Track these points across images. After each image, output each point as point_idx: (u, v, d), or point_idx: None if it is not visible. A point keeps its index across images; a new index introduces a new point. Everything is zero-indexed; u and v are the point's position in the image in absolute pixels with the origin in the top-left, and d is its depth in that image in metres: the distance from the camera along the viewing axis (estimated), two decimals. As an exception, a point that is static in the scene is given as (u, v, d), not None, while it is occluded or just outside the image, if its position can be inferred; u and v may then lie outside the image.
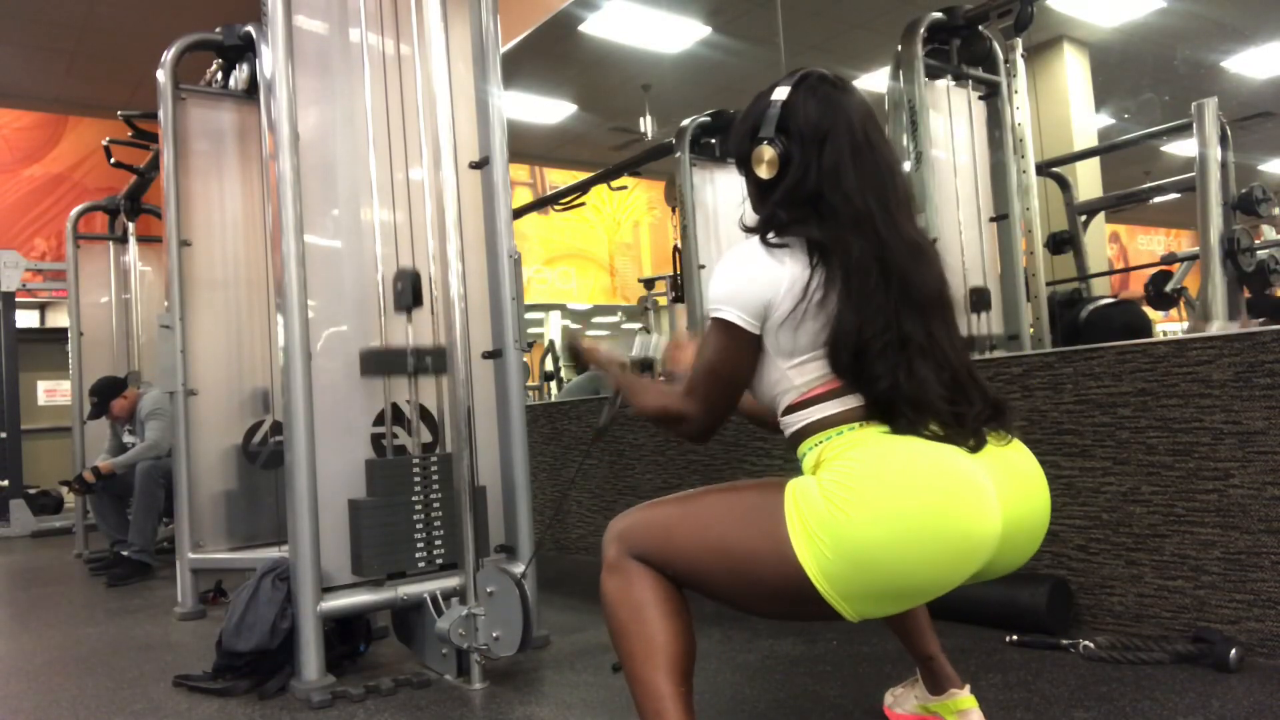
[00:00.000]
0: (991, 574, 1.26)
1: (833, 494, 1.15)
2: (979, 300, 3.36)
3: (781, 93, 1.30)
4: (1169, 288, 4.86)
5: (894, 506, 1.12)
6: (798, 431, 1.30)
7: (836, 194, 1.25)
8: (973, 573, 1.18)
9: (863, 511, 1.12)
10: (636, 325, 8.92)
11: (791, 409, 1.30)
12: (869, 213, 1.24)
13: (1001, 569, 1.27)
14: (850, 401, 1.25)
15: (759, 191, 1.34)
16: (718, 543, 1.23)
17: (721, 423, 1.37)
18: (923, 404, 1.21)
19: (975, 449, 1.23)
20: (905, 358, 1.22)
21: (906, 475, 1.15)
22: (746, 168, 1.33)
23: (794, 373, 1.28)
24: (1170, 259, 5.20)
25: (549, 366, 9.16)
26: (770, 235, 1.28)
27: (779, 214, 1.28)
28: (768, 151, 1.28)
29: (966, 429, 1.23)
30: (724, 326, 1.28)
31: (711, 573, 1.25)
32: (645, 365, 1.66)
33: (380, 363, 2.34)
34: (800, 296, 1.23)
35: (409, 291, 2.32)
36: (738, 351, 1.29)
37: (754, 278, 1.26)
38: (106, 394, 4.56)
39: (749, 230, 1.33)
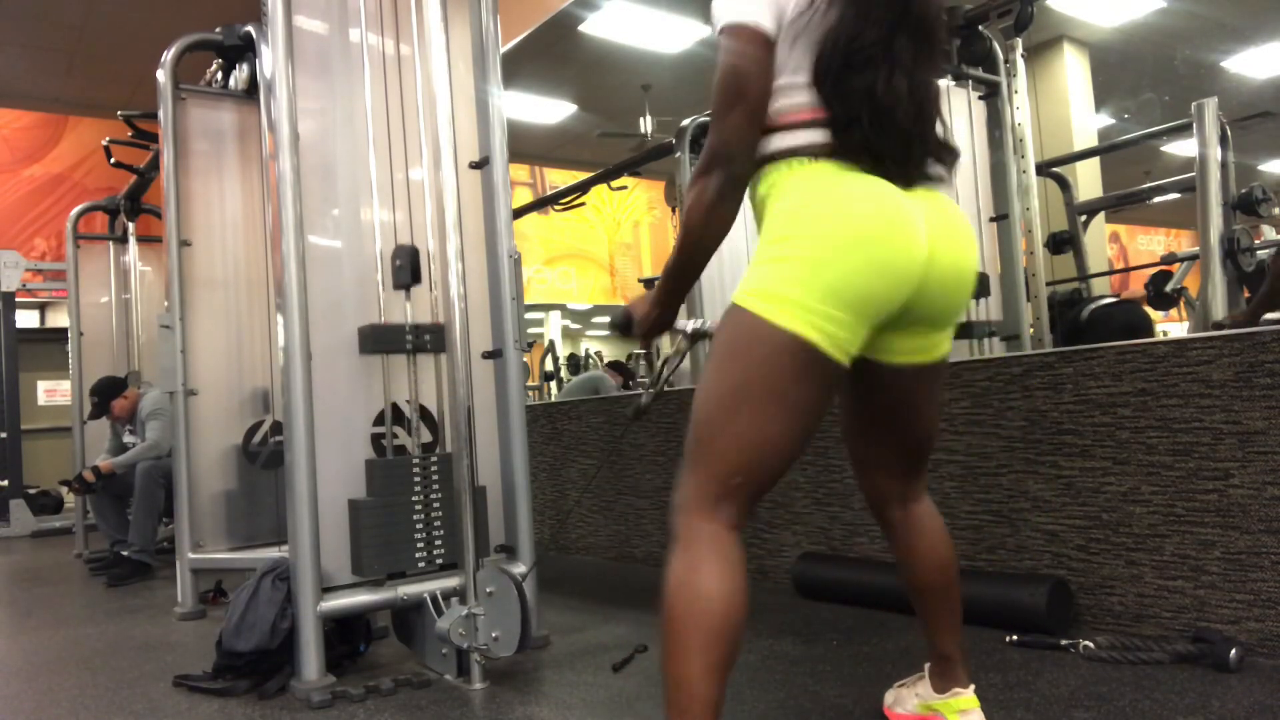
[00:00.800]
0: (928, 311, 1.34)
1: (773, 251, 1.26)
2: (979, 287, 3.36)
3: None
4: (1169, 288, 4.86)
5: (842, 241, 1.23)
6: (761, 157, 1.33)
7: None
8: (907, 293, 1.27)
9: (806, 249, 1.24)
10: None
11: (762, 131, 1.32)
12: None
13: (935, 307, 1.35)
14: (812, 135, 1.29)
15: None
16: (733, 394, 1.25)
17: (751, 143, 1.30)
18: (886, 118, 1.27)
19: (907, 185, 1.30)
20: (887, 70, 1.27)
21: (839, 209, 1.25)
22: None
23: (776, 95, 1.30)
24: (1170, 259, 5.21)
25: (549, 366, 9.17)
26: None
27: None
28: None
29: (910, 164, 1.30)
30: (735, 29, 1.27)
31: (752, 427, 1.24)
32: (701, 336, 1.61)
33: (379, 339, 2.32)
34: (808, 3, 1.27)
35: (408, 269, 2.32)
36: (753, 48, 1.27)
37: None
38: (107, 394, 4.56)
39: None
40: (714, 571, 1.22)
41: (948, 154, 1.38)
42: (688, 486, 1.28)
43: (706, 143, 1.30)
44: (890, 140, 1.28)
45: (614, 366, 6.91)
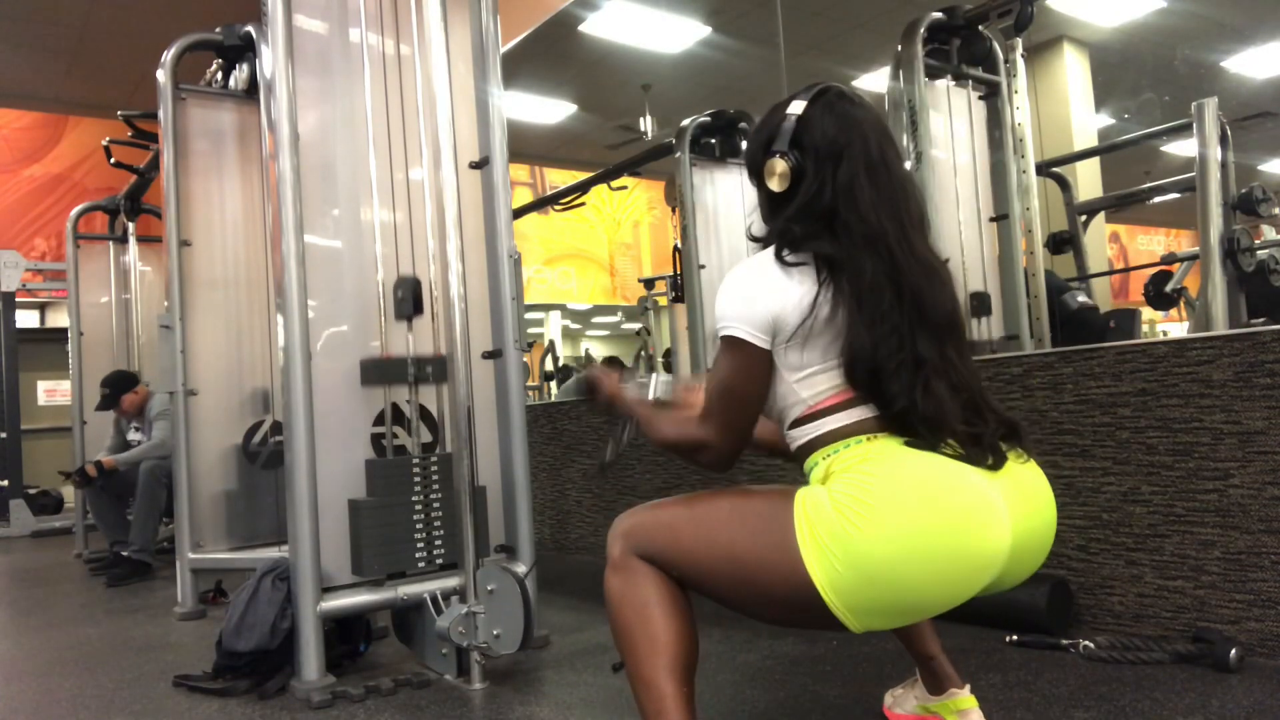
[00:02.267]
0: (997, 588, 1.25)
1: (844, 506, 1.15)
2: (979, 305, 3.36)
3: (798, 106, 1.29)
4: (1169, 288, 4.86)
5: (907, 522, 1.12)
6: (805, 444, 1.30)
7: (851, 212, 1.24)
8: (980, 589, 1.18)
9: (875, 526, 1.12)
10: (636, 325, 8.92)
11: (799, 422, 1.29)
12: (883, 231, 1.24)
13: (1007, 583, 1.26)
14: (860, 414, 1.25)
15: (770, 204, 1.33)
16: (725, 549, 1.23)
17: (742, 447, 1.34)
18: (939, 423, 1.20)
19: (994, 467, 1.21)
20: (921, 377, 1.21)
21: (920, 490, 1.15)
22: (759, 179, 1.32)
23: (801, 386, 1.28)
24: (1170, 259, 5.20)
25: (549, 366, 9.17)
26: (785, 252, 1.27)
27: (792, 228, 1.27)
28: (780, 165, 1.27)
29: (984, 448, 1.21)
30: (734, 344, 1.27)
31: (717, 578, 1.25)
32: (660, 406, 1.60)
33: (381, 372, 2.33)
34: (808, 312, 1.23)
35: (409, 300, 2.31)
36: (750, 369, 1.27)
37: (762, 293, 1.25)
38: (118, 386, 4.55)
39: (756, 240, 1.33)
40: (651, 583, 1.28)
41: (1013, 434, 1.28)
42: (638, 532, 1.31)
43: (707, 432, 1.31)
44: (951, 436, 1.21)
45: (612, 364, 6.86)
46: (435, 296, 2.40)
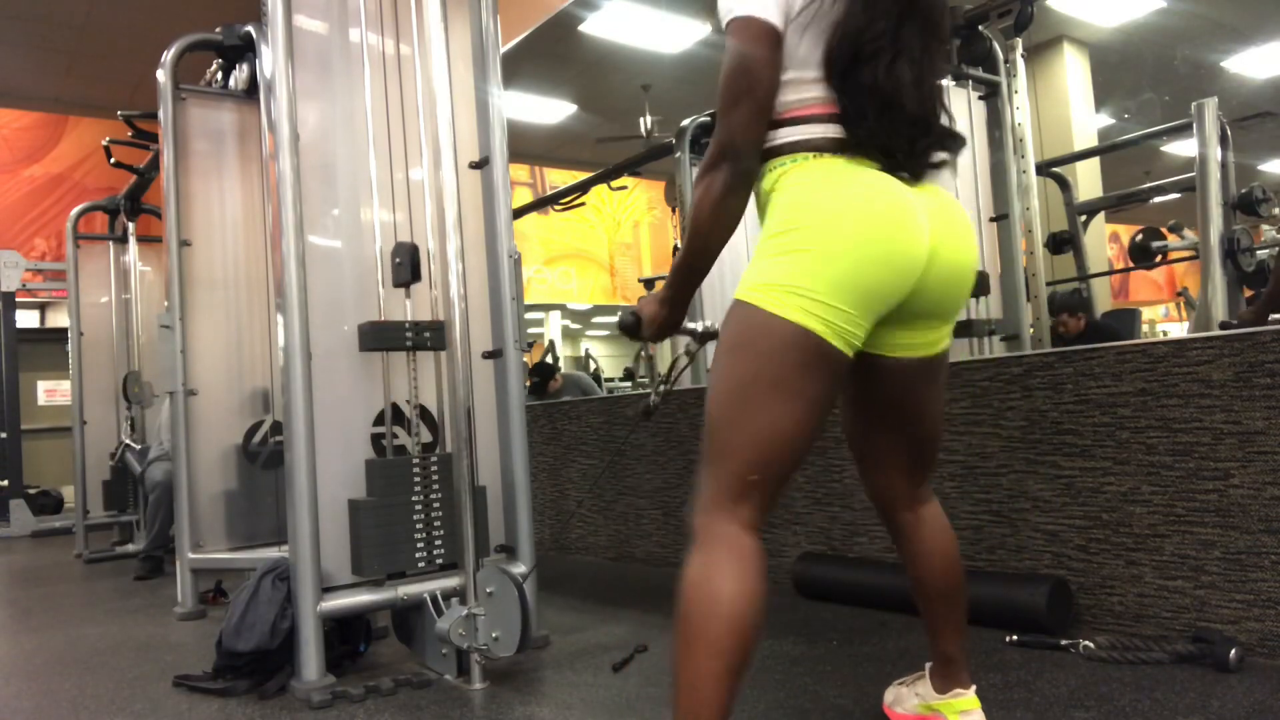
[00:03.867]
0: (926, 302, 1.34)
1: (782, 247, 1.26)
2: (978, 285, 3.36)
3: None
4: (1156, 244, 4.86)
5: (846, 235, 1.24)
6: (767, 150, 1.32)
7: None
8: (908, 286, 1.28)
9: (807, 242, 1.24)
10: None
11: (769, 125, 1.32)
12: None
13: (933, 300, 1.36)
14: (820, 130, 1.30)
15: None
16: (742, 390, 1.25)
17: (758, 137, 1.30)
18: (892, 108, 1.28)
19: (912, 181, 1.33)
20: (891, 58, 1.28)
21: (843, 203, 1.25)
22: None
23: (784, 89, 1.30)
24: (1175, 227, 5.17)
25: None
26: None
27: None
28: None
29: (915, 156, 1.33)
30: (743, 22, 1.27)
31: (764, 421, 1.24)
32: (709, 336, 1.59)
33: (379, 337, 2.31)
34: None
35: (408, 266, 2.31)
36: (760, 43, 1.26)
37: None
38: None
39: None
40: (731, 574, 1.21)
41: (953, 141, 1.39)
42: (706, 486, 1.27)
43: (713, 138, 1.29)
44: (896, 131, 1.29)
45: (554, 372, 6.56)
46: (435, 297, 2.40)
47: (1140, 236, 5.00)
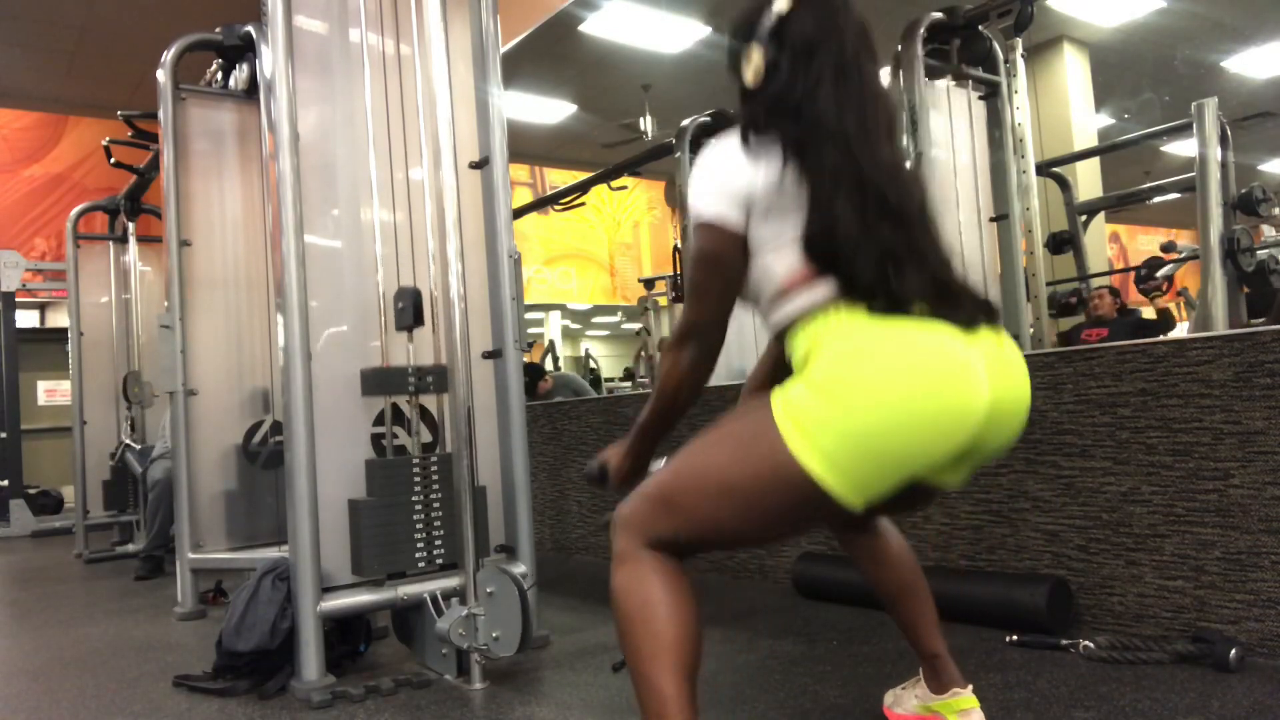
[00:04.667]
0: (978, 454, 1.27)
1: (824, 388, 1.18)
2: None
3: (782, 2, 1.30)
4: (1161, 273, 4.88)
5: (889, 389, 1.15)
6: (784, 324, 1.31)
7: (813, 109, 1.26)
8: (965, 444, 1.20)
9: (859, 398, 1.15)
10: (636, 325, 8.92)
11: (775, 300, 1.30)
12: (845, 133, 1.25)
13: (987, 449, 1.28)
14: (832, 287, 1.26)
15: (743, 97, 1.35)
16: (718, 485, 1.24)
17: (723, 332, 1.33)
18: (903, 292, 1.22)
19: (966, 326, 1.23)
20: (878, 250, 1.22)
21: (898, 357, 1.18)
22: (735, 69, 1.34)
23: (774, 261, 1.29)
24: (1169, 246, 5.19)
25: (549, 367, 9.17)
26: (750, 135, 1.28)
27: (758, 116, 1.29)
28: (756, 56, 1.29)
29: (956, 309, 1.24)
30: (707, 226, 1.29)
31: (720, 518, 1.25)
32: None
33: (381, 382, 2.32)
34: (775, 181, 1.25)
35: (410, 310, 2.30)
36: (724, 243, 1.28)
37: (729, 173, 1.28)
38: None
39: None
40: (658, 580, 1.27)
41: (988, 310, 1.30)
42: (638, 511, 1.31)
43: (683, 316, 1.33)
44: (918, 304, 1.22)
45: (542, 374, 6.47)
46: (435, 297, 2.40)
47: (1145, 270, 5.02)
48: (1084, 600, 2.25)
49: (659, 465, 1.54)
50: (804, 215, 1.24)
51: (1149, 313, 5.17)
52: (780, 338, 1.34)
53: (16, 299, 6.66)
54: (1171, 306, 5.19)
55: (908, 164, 1.35)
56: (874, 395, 1.15)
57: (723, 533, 1.27)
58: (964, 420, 1.18)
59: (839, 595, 2.69)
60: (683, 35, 6.80)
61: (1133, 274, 5.18)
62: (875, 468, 1.17)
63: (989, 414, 1.20)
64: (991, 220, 3.56)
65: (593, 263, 11.06)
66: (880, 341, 1.20)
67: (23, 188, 8.56)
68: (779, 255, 1.28)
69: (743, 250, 1.30)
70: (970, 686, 1.57)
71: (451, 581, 2.26)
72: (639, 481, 1.47)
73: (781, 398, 1.21)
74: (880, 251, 1.22)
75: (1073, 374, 2.27)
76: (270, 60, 2.23)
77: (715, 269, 1.30)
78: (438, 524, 2.30)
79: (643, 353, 7.73)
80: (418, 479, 2.29)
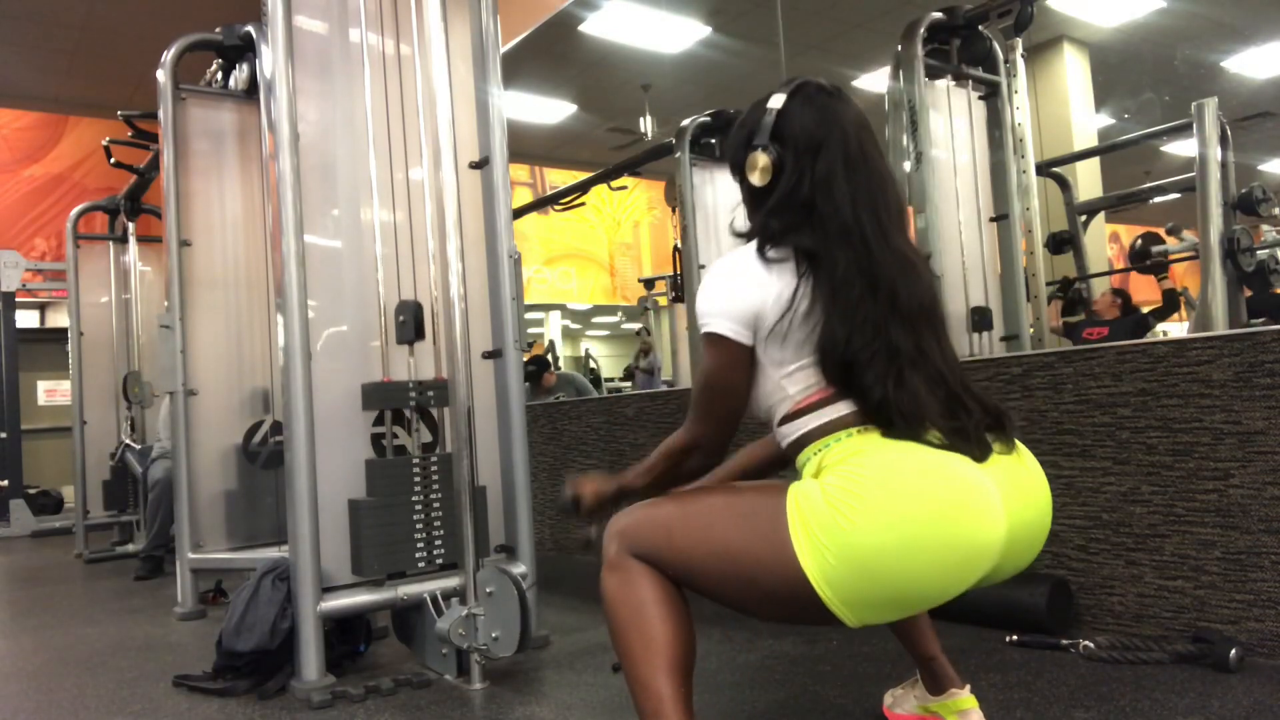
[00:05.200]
0: (993, 580, 1.25)
1: (837, 499, 1.14)
2: (980, 320, 3.36)
3: (777, 101, 1.30)
4: (1156, 249, 4.87)
5: (901, 513, 1.12)
6: (795, 440, 1.30)
7: (828, 205, 1.25)
8: (977, 580, 1.18)
9: (868, 518, 1.12)
10: (636, 325, 8.92)
11: (787, 418, 1.30)
12: (859, 224, 1.24)
13: (1003, 574, 1.25)
14: (846, 407, 1.25)
15: (752, 199, 1.34)
16: (719, 545, 1.23)
17: (727, 443, 1.35)
18: (916, 416, 1.20)
19: (980, 458, 1.20)
20: (895, 368, 1.21)
21: (913, 482, 1.14)
22: (741, 175, 1.33)
23: (787, 382, 1.28)
24: (1174, 230, 5.18)
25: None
26: (766, 247, 1.27)
27: (771, 223, 1.28)
28: (761, 159, 1.28)
29: (968, 439, 1.20)
30: (716, 340, 1.28)
31: (711, 574, 1.25)
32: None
33: (382, 398, 2.31)
34: (787, 307, 1.23)
35: (411, 325, 2.30)
36: (732, 364, 1.29)
37: (742, 289, 1.26)
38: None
39: (740, 235, 1.34)
40: (647, 583, 1.28)
41: (997, 423, 1.27)
42: (632, 529, 1.31)
43: (688, 425, 1.34)
44: (931, 427, 1.20)
45: (546, 366, 6.27)
46: (435, 298, 2.40)
47: (1140, 242, 5.01)
48: (1084, 600, 2.25)
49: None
50: (819, 331, 1.23)
51: (1154, 296, 5.19)
52: (789, 450, 1.33)
53: (16, 299, 6.66)
54: (1176, 289, 5.18)
55: (920, 255, 1.34)
56: (884, 517, 1.12)
57: (711, 589, 1.27)
58: (978, 558, 1.14)
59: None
60: (683, 35, 6.80)
61: (1129, 255, 5.17)
62: (874, 593, 1.15)
63: (1006, 544, 1.16)
64: (991, 220, 3.56)
65: (593, 263, 11.05)
66: (895, 465, 1.16)
67: (23, 188, 8.56)
68: (791, 374, 1.27)
69: (750, 368, 1.29)
70: (968, 686, 1.57)
71: (451, 581, 2.26)
72: (607, 518, 1.47)
73: (796, 491, 1.20)
74: (892, 363, 1.21)
75: (1073, 374, 2.27)
76: (270, 60, 2.23)
77: (722, 392, 1.30)
78: (438, 524, 2.30)
79: (644, 352, 7.74)
80: (418, 479, 2.29)
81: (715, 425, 1.33)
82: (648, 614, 1.26)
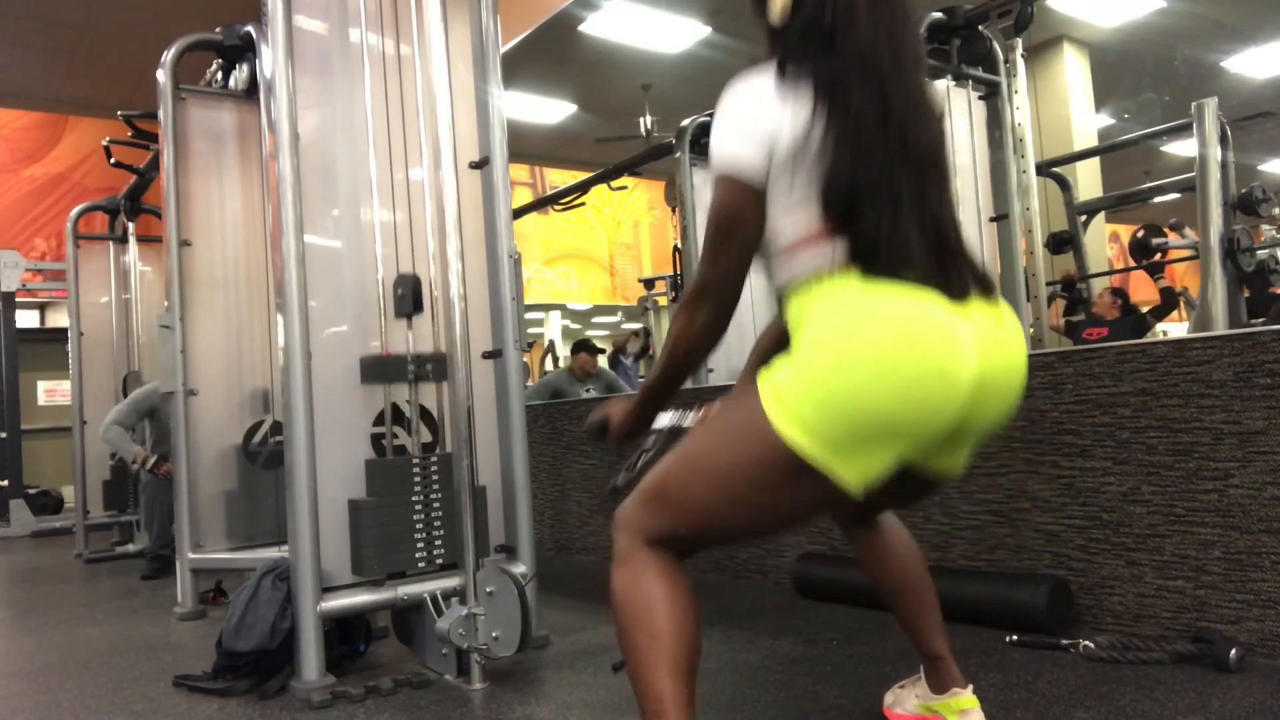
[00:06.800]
0: (970, 432, 1.26)
1: (805, 358, 1.18)
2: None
3: None
4: (1156, 242, 4.88)
5: (868, 351, 1.15)
6: (782, 285, 1.30)
7: (849, 35, 1.24)
8: (953, 416, 1.18)
9: (834, 362, 1.16)
10: (636, 325, 8.92)
11: (779, 258, 1.29)
12: (877, 59, 1.23)
13: (976, 425, 1.26)
14: (834, 251, 1.25)
15: (771, 36, 1.31)
16: (709, 471, 1.24)
17: (738, 289, 1.29)
18: (904, 257, 1.20)
19: (956, 297, 1.22)
20: (894, 206, 1.21)
21: (882, 322, 1.17)
22: (760, 9, 1.31)
23: (786, 221, 1.27)
24: (1177, 225, 5.18)
25: (549, 366, 9.17)
26: (787, 65, 1.25)
27: (793, 48, 1.26)
28: None
29: (949, 281, 1.22)
30: (727, 178, 1.26)
31: (714, 506, 1.24)
32: (678, 433, 1.58)
33: (380, 370, 2.32)
34: (803, 131, 1.22)
35: (409, 298, 2.31)
36: (743, 204, 1.26)
37: (758, 112, 1.24)
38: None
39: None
40: (658, 581, 1.26)
41: (983, 286, 1.28)
42: (637, 511, 1.30)
43: (698, 274, 1.30)
44: (914, 270, 1.21)
45: (584, 349, 6.03)
46: (435, 297, 2.40)
47: (1141, 233, 5.01)
48: (1084, 600, 2.25)
49: (663, 421, 1.53)
50: (827, 161, 1.22)
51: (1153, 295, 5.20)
52: (780, 305, 1.33)
53: (16, 299, 6.66)
54: (1174, 288, 5.19)
55: (933, 100, 1.32)
56: (850, 356, 1.15)
57: (718, 523, 1.26)
58: (947, 387, 1.16)
59: (839, 595, 2.69)
60: (683, 35, 6.80)
61: (1130, 248, 5.18)
62: (857, 435, 1.16)
63: (978, 385, 1.19)
64: (991, 220, 3.56)
65: (593, 263, 11.05)
66: (865, 309, 1.19)
67: (23, 188, 8.57)
68: (792, 211, 1.26)
69: (761, 205, 1.27)
70: (970, 687, 1.57)
71: (451, 581, 2.26)
72: (638, 437, 1.48)
73: (767, 377, 1.22)
74: (893, 200, 1.22)
75: (1073, 374, 2.27)
76: (270, 60, 2.23)
77: (733, 227, 1.27)
78: (438, 524, 2.30)
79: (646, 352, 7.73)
80: (418, 479, 2.29)
81: (725, 268, 1.27)
82: (655, 612, 1.24)
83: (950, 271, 1.24)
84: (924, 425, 1.17)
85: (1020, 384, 1.29)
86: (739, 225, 1.27)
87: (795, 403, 1.16)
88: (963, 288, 1.24)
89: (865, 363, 1.14)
